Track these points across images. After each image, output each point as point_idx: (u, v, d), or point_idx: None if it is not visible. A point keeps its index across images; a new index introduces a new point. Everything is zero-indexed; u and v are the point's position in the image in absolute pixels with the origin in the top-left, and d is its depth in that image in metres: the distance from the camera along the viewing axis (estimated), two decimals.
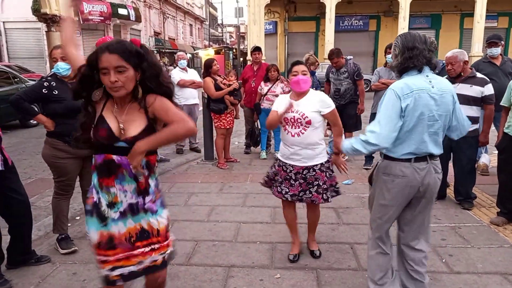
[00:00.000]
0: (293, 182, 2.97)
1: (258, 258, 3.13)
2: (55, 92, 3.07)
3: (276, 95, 5.93)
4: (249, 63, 6.95)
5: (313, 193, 2.95)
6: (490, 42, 4.91)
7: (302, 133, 2.89)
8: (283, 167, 3.02)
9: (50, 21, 14.21)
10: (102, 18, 23.11)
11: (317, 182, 2.95)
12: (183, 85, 6.31)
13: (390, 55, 5.33)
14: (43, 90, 3.06)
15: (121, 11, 24.37)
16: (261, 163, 6.01)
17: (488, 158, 5.01)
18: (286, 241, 3.40)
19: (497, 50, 4.88)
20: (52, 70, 3.20)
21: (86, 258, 3.14)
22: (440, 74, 4.60)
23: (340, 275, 2.88)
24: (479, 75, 3.99)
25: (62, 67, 3.13)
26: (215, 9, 59.75)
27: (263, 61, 6.81)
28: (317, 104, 2.92)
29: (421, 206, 2.35)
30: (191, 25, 44.45)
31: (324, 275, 2.88)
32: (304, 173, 2.94)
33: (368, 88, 9.40)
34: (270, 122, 3.04)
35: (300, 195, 2.97)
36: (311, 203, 3.03)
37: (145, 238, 1.91)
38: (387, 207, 2.34)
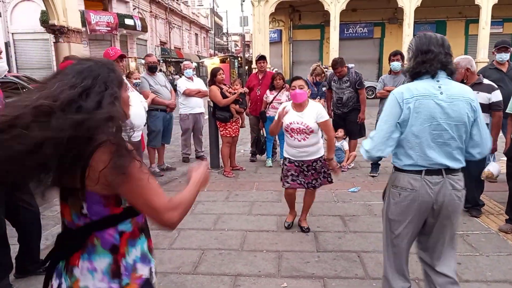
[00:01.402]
0: (307, 173, 3.65)
1: (265, 267, 3.12)
2: None
3: (281, 103, 5.96)
4: (254, 71, 7.00)
5: (322, 179, 3.68)
6: (500, 47, 4.88)
7: (307, 138, 3.57)
8: (295, 163, 3.66)
9: (58, 32, 14.40)
10: (109, 28, 23.45)
11: (323, 169, 3.67)
12: (189, 94, 6.36)
13: (394, 62, 5.35)
14: None
15: (128, 21, 24.70)
16: (267, 171, 6.02)
17: (497, 166, 4.97)
18: (293, 250, 3.39)
19: (506, 56, 4.85)
20: None
21: None
22: None
23: (347, 283, 2.87)
24: (486, 81, 3.98)
25: None
26: (220, 18, 60.27)
27: (268, 70, 6.86)
28: (315, 115, 3.55)
29: (437, 228, 2.10)
30: (196, 34, 44.86)
31: (331, 283, 2.87)
32: (313, 165, 3.63)
33: (373, 96, 9.41)
34: (271, 128, 3.91)
35: (313, 182, 3.67)
36: (319, 187, 3.72)
37: None
38: (395, 223, 2.15)
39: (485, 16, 19.84)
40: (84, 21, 20.86)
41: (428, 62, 2.00)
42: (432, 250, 2.16)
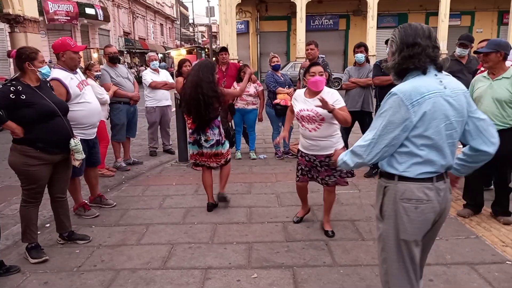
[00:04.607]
0: (320, 169, 3.42)
1: (235, 259, 3.14)
2: (23, 96, 2.94)
3: (250, 95, 5.96)
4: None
5: (336, 177, 3.41)
6: (461, 43, 5.07)
7: (318, 128, 3.29)
8: (306, 157, 3.46)
9: (13, 21, 13.67)
10: (69, 18, 22.49)
11: (340, 168, 3.16)
12: (155, 87, 6.22)
13: (358, 54, 5.45)
14: (11, 95, 2.91)
15: (89, 10, 23.78)
16: (236, 163, 6.01)
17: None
18: (263, 241, 3.43)
19: (465, 52, 5.06)
20: (43, 73, 3.10)
21: (57, 266, 3.06)
22: None
23: (316, 272, 2.93)
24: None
25: (48, 71, 3.17)
26: (186, 8, 59.14)
27: (235, 61, 6.81)
28: (330, 101, 3.17)
29: (429, 235, 1.93)
30: (161, 24, 43.83)
31: (300, 272, 2.92)
32: (326, 160, 3.33)
33: (339, 87, 9.58)
34: (287, 119, 3.88)
35: (326, 179, 3.44)
36: (335, 185, 3.47)
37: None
38: (409, 244, 1.84)
39: (444, 9, 20.63)
40: (42, 10, 19.86)
41: (415, 56, 1.76)
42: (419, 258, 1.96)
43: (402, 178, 1.81)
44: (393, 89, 1.78)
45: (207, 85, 3.73)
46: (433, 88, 1.75)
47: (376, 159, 1.82)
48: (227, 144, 4.10)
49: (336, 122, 3.27)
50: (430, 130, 1.74)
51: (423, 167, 1.78)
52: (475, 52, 4.08)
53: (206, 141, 3.90)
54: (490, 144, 1.86)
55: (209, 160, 4.07)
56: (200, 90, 3.71)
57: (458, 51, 5.11)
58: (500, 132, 3.47)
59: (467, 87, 3.88)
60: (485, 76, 3.66)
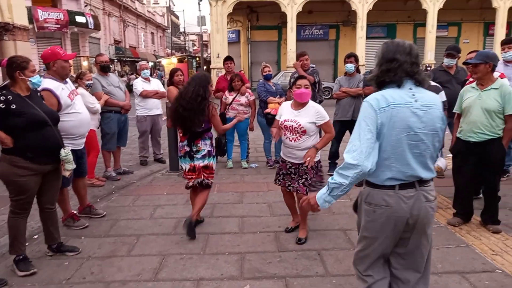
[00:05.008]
0: (293, 176, 3.55)
1: (227, 270, 3.11)
2: (13, 106, 2.90)
3: (242, 104, 5.97)
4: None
5: (300, 184, 3.50)
6: (449, 53, 5.17)
7: (298, 139, 3.44)
8: (285, 163, 3.61)
9: (3, 29, 13.52)
10: (59, 26, 22.33)
11: (306, 176, 3.48)
12: (146, 96, 6.20)
13: (348, 64, 5.52)
14: (1, 105, 2.87)
15: (79, 19, 23.66)
16: (228, 172, 6.00)
17: (445, 161, 5.26)
18: (255, 251, 3.41)
19: (453, 61, 5.16)
20: (33, 82, 3.06)
21: (45, 278, 3.00)
22: None
23: (308, 282, 2.92)
24: (432, 83, 4.22)
25: (39, 80, 3.13)
26: (177, 17, 59.33)
27: (236, 71, 6.79)
28: (313, 116, 3.43)
29: (413, 243, 2.02)
30: (152, 33, 43.84)
31: (293, 283, 2.91)
32: (300, 167, 3.49)
33: (330, 96, 9.67)
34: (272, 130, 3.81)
35: (293, 184, 3.56)
36: (296, 192, 3.58)
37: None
38: (370, 240, 2.04)
39: (432, 20, 21.04)
40: (32, 18, 19.72)
41: (392, 71, 1.91)
42: (408, 264, 2.08)
43: (368, 183, 2.01)
44: (366, 98, 1.96)
45: (193, 98, 3.58)
46: (401, 99, 1.89)
47: (372, 164, 1.87)
48: (215, 160, 3.94)
49: (315, 134, 3.48)
50: (392, 138, 1.88)
51: (385, 174, 1.92)
52: (464, 63, 4.17)
53: (197, 151, 3.74)
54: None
55: (199, 176, 3.79)
56: (184, 103, 3.59)
57: (446, 61, 5.21)
58: (489, 141, 3.58)
59: (456, 97, 4.01)
60: (473, 87, 3.73)
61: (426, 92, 1.97)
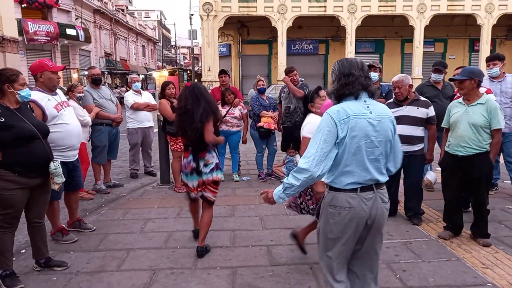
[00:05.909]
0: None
1: (219, 285, 3.08)
2: (2, 119, 2.87)
3: (235, 117, 5.99)
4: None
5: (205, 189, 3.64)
6: (436, 68, 5.28)
7: None
8: None
9: None
10: (49, 38, 22.32)
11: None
12: (137, 108, 6.19)
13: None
14: None
15: (70, 31, 23.67)
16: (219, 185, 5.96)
17: (434, 175, 5.32)
18: (247, 265, 3.38)
19: (440, 76, 5.28)
20: (22, 96, 3.03)
21: None
22: (387, 97, 4.92)
23: None
24: (422, 98, 4.30)
25: (29, 93, 3.12)
26: (168, 30, 59.63)
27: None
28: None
29: (369, 241, 2.21)
30: (143, 46, 43.98)
31: None
32: None
33: None
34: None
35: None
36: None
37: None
38: (335, 241, 2.18)
39: (418, 36, 21.54)
40: (21, 30, 19.66)
41: (350, 84, 2.11)
42: (363, 261, 2.25)
43: (332, 188, 2.17)
44: (327, 110, 2.13)
45: (208, 107, 3.54)
46: (358, 111, 2.09)
47: (322, 171, 2.05)
48: (222, 173, 3.80)
49: None
50: (352, 146, 2.06)
51: (347, 179, 2.10)
52: (450, 79, 4.26)
53: (205, 165, 3.56)
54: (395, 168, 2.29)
55: (204, 189, 3.63)
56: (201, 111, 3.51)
57: (434, 76, 5.32)
58: (476, 156, 3.65)
59: (444, 111, 4.08)
60: (460, 102, 3.81)
61: (378, 104, 2.20)
